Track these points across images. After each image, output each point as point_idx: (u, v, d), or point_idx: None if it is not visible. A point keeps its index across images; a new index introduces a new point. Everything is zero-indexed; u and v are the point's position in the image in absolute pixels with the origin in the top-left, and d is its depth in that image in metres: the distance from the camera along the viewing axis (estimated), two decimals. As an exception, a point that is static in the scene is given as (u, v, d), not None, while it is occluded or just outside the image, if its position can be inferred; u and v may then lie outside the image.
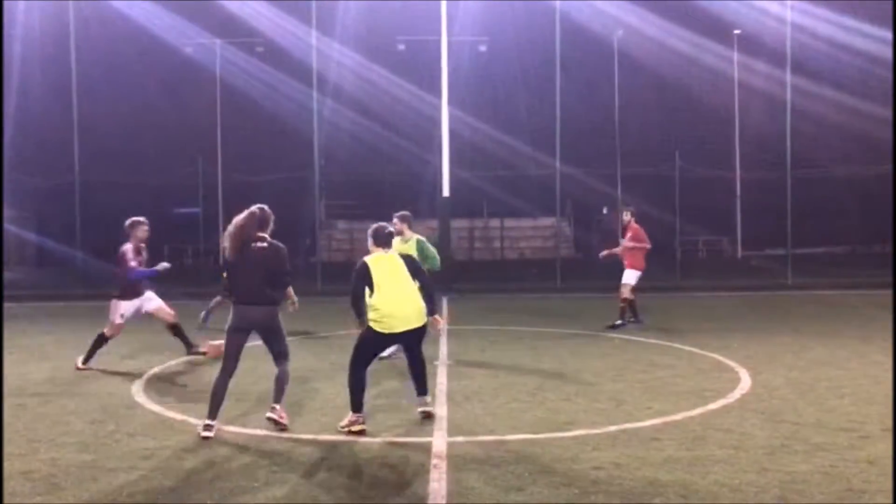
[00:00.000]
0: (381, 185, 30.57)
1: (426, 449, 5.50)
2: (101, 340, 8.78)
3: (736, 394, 7.14)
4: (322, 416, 6.46)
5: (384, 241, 6.32)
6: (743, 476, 4.89)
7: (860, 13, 23.82)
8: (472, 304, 15.92)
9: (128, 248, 8.72)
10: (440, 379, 7.95)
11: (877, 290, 16.76)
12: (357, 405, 6.00)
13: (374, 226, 6.39)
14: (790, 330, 11.44)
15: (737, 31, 28.83)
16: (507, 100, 29.21)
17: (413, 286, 6.18)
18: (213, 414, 5.87)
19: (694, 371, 8.32)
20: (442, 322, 6.65)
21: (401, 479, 4.93)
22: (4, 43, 22.71)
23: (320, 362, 8.99)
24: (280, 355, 6.13)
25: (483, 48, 29.58)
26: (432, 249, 8.80)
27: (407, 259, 6.31)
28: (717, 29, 27.41)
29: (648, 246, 11.69)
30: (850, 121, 24.99)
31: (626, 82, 28.60)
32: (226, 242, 5.94)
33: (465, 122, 27.33)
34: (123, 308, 8.77)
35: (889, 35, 21.05)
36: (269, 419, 6.01)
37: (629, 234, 11.75)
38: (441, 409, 6.61)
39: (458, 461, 5.23)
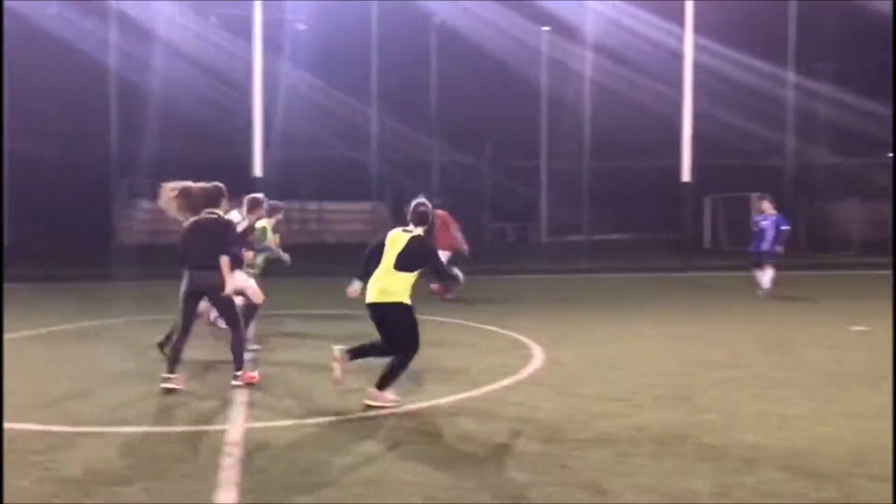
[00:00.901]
0: (189, 163, 29.04)
1: (222, 436, 5.37)
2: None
3: (529, 369, 7.61)
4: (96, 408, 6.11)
5: (410, 218, 6.28)
6: (529, 446, 5.23)
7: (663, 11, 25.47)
8: (287, 288, 15.60)
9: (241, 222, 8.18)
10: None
11: (664, 273, 18.55)
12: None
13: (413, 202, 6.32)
14: (583, 309, 12.37)
15: (545, 28, 30.37)
16: (326, 81, 28.83)
17: (388, 266, 6.09)
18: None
19: (493, 349, 8.75)
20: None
21: (193, 468, 4.77)
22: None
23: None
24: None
25: (302, 27, 28.93)
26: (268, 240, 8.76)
27: (412, 244, 6.11)
28: (536, 16, 28.57)
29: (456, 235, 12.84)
30: (648, 114, 26.98)
31: (446, 69, 29.23)
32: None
33: (282, 102, 26.68)
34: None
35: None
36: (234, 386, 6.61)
37: (438, 222, 12.39)
38: (243, 395, 6.48)
39: (253, 447, 5.15)
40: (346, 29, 28.55)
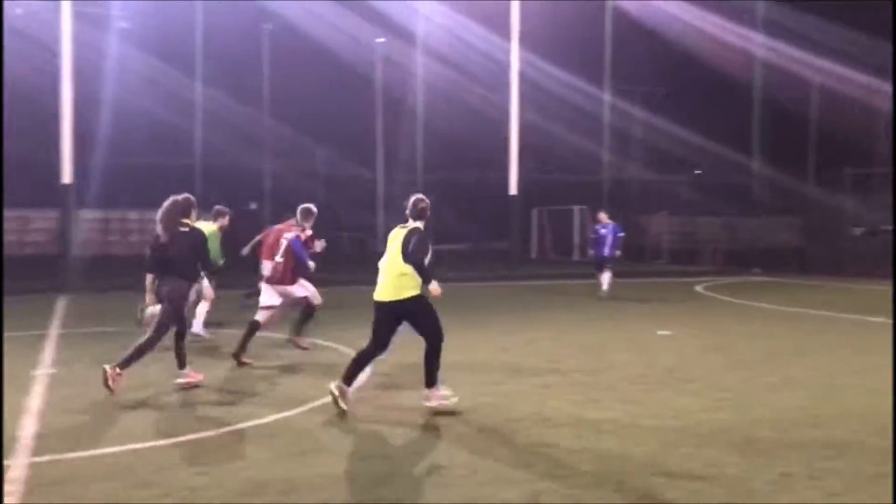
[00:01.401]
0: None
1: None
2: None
3: (354, 383, 7.42)
4: None
5: (409, 213, 6.41)
6: (347, 465, 5.07)
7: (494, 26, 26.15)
8: (91, 305, 14.40)
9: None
10: (36, 390, 7.01)
11: (492, 283, 19.08)
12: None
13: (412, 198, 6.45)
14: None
15: (380, 40, 30.50)
16: (145, 82, 27.19)
17: (396, 261, 6.18)
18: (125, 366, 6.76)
19: (313, 364, 8.49)
20: (437, 291, 6.23)
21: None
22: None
23: None
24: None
25: (125, 25, 27.22)
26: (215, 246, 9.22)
27: (409, 233, 6.22)
28: (373, 25, 28.54)
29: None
30: (481, 128, 27.67)
31: (278, 73, 28.53)
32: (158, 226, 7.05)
33: (97, 102, 24.86)
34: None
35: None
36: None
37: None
38: (30, 427, 5.82)
39: (37, 484, 4.61)
40: (171, 29, 27.18)
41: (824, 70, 26.80)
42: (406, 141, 28.86)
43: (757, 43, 27.53)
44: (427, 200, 6.49)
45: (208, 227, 9.06)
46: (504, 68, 21.42)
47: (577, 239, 30.23)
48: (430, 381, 6.29)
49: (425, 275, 6.13)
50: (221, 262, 9.33)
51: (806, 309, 14.01)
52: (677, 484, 4.71)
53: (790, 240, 25.20)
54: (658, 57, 28.50)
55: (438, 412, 6.27)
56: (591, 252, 16.03)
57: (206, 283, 7.62)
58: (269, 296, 8.71)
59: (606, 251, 15.35)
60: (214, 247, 8.91)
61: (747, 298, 16.04)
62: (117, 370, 6.63)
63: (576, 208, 30.23)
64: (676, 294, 17.14)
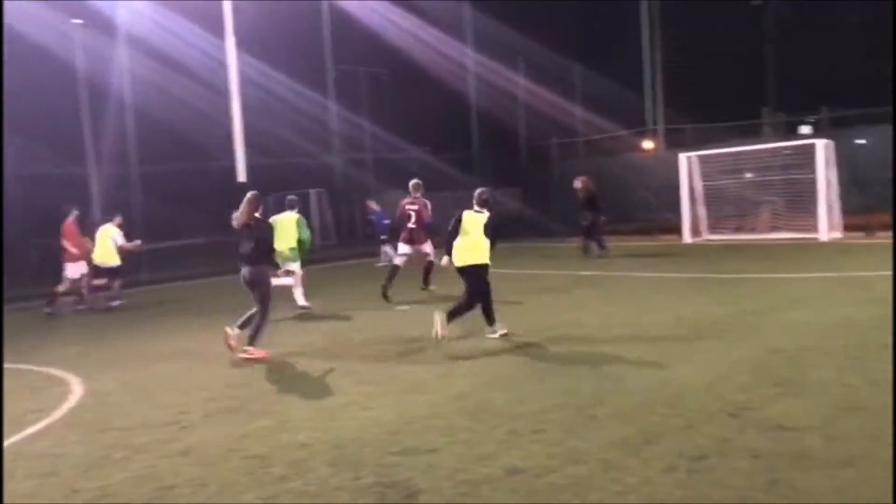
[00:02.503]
0: None
1: None
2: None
3: (63, 409, 6.59)
4: None
5: (477, 202, 8.58)
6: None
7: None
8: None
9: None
10: None
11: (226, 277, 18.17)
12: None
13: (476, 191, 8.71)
14: (130, 328, 11.26)
15: (77, 21, 27.47)
16: None
17: (475, 238, 8.35)
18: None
19: (21, 392, 7.41)
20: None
21: None
22: None
23: None
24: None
25: None
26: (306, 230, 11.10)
27: (488, 220, 8.42)
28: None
29: (75, 250, 13.44)
30: (202, 115, 25.95)
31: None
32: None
33: None
34: None
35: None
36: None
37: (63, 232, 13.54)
38: None
39: None
40: None
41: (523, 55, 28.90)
42: (116, 134, 26.33)
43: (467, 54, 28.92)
44: (489, 192, 8.79)
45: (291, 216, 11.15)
46: (219, 52, 20.32)
47: (316, 223, 29.95)
48: (491, 320, 8.41)
49: (493, 248, 8.44)
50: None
51: (533, 270, 15.02)
52: (415, 460, 4.72)
53: (513, 208, 27.08)
54: (380, 40, 28.80)
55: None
56: (368, 231, 19.90)
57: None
58: (404, 248, 12.28)
59: (379, 232, 18.39)
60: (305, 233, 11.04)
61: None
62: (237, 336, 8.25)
63: (312, 192, 29.90)
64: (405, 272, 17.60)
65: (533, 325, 8.94)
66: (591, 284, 12.51)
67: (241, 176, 19.75)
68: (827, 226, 17.30)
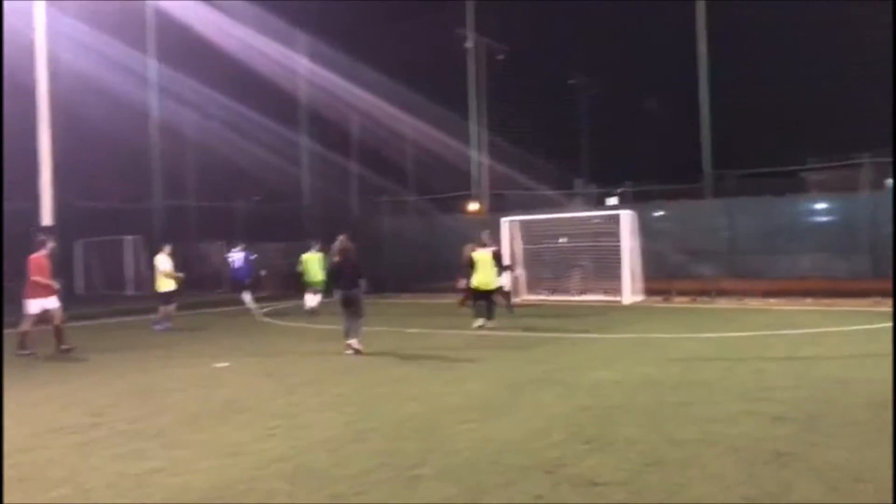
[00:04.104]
0: None
1: None
2: None
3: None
4: None
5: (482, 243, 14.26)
6: None
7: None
8: None
9: None
10: None
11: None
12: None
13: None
14: None
15: None
16: None
17: (490, 269, 13.97)
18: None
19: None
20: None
21: None
22: None
23: None
24: (357, 314, 11.62)
25: None
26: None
27: (494, 253, 14.15)
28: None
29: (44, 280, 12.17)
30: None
31: None
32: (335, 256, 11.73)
33: None
34: None
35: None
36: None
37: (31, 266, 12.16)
38: None
39: None
40: None
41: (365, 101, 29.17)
42: None
43: (303, 66, 28.81)
44: (487, 234, 14.72)
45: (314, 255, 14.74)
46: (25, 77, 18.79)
47: (131, 272, 28.14)
48: (492, 316, 13.77)
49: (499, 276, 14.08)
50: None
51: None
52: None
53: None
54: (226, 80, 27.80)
55: None
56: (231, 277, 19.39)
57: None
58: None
59: (243, 275, 18.35)
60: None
61: (306, 321, 16.66)
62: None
63: (128, 238, 28.15)
64: (237, 323, 17.00)
65: (358, 383, 8.87)
66: (421, 340, 12.68)
67: (47, 218, 18.23)
68: (630, 290, 18.81)
